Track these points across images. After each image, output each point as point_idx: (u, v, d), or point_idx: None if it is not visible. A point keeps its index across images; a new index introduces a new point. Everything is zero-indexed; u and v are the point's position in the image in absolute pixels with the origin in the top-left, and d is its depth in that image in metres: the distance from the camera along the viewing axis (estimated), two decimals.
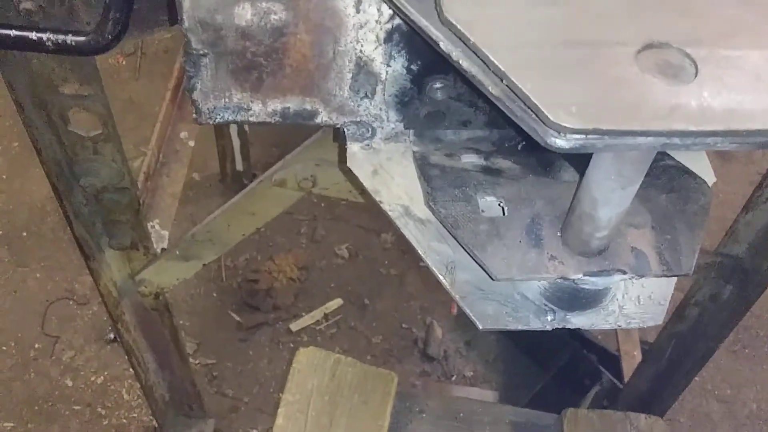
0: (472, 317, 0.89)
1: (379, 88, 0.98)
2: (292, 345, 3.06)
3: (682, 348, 2.24)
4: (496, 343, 3.08)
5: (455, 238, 0.87)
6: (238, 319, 3.15)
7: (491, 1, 0.72)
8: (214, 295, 3.23)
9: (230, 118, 1.03)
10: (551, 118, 0.63)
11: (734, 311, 2.05)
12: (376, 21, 0.91)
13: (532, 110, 0.64)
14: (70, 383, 3.08)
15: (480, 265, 0.84)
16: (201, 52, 0.94)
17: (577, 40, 0.69)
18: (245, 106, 1.01)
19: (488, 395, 2.89)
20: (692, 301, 2.12)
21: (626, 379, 2.58)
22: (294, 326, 3.11)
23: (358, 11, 0.90)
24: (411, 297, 3.25)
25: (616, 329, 2.72)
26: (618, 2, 0.73)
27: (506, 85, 0.66)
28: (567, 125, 0.62)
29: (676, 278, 0.93)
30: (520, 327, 0.89)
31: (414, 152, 1.01)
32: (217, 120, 1.03)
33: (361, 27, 0.92)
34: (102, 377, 3.09)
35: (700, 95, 0.65)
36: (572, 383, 2.82)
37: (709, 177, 1.00)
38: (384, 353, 3.06)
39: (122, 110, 3.72)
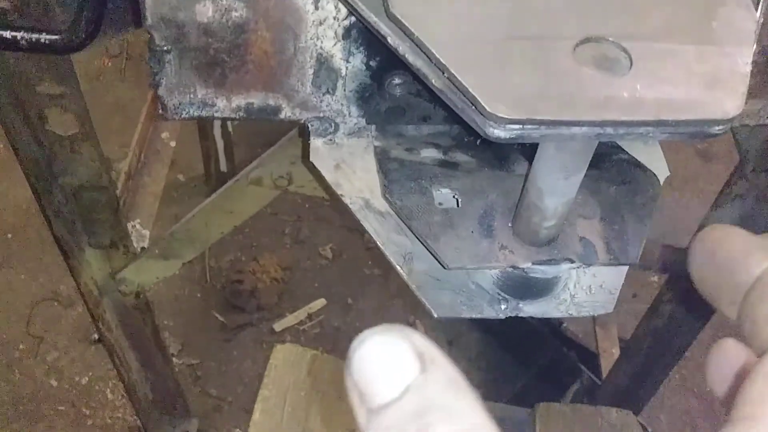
0: (428, 306, 0.92)
1: (339, 83, 1.00)
2: (275, 345, 3.08)
3: (658, 344, 2.27)
4: (478, 341, 3.11)
5: (410, 229, 0.89)
6: (222, 319, 3.16)
7: None
8: (198, 295, 3.24)
9: (196, 113, 1.05)
10: (488, 110, 0.65)
11: (707, 307, 2.07)
12: (334, 17, 0.93)
13: (471, 102, 0.67)
14: (54, 383, 3.09)
15: (433, 255, 0.87)
16: (164, 48, 0.96)
17: (519, 35, 0.72)
18: (210, 102, 1.03)
19: None
20: (666, 297, 2.15)
21: (604, 376, 2.61)
22: (278, 326, 3.13)
23: (316, 8, 0.93)
24: (394, 296, 3.28)
25: (594, 328, 2.75)
26: None
27: (447, 78, 0.68)
28: (503, 116, 0.65)
29: (626, 268, 0.96)
30: (474, 315, 0.92)
31: (375, 147, 1.03)
32: (183, 116, 1.05)
33: (320, 23, 0.95)
34: (86, 378, 3.10)
35: (633, 87, 0.68)
36: (553, 381, 2.85)
37: (663, 171, 1.03)
38: None
39: (108, 112, 3.73)
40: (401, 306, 3.25)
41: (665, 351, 2.28)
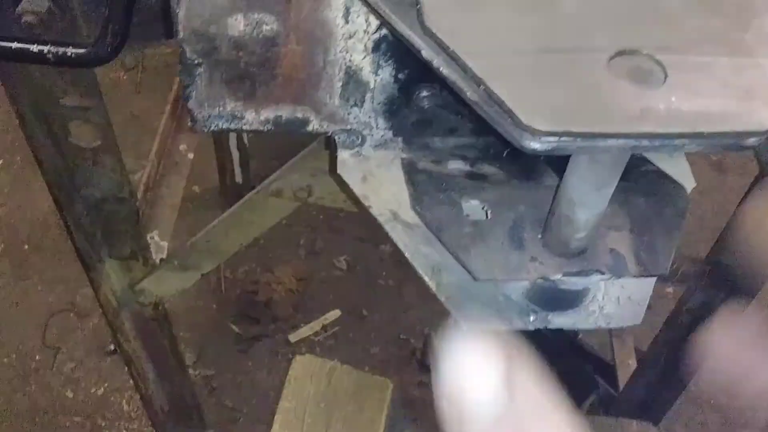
0: (457, 317, 0.92)
1: (368, 96, 1.01)
2: (290, 356, 3.08)
3: (675, 355, 2.26)
4: None
5: (440, 241, 0.90)
6: (237, 330, 3.17)
7: (473, 9, 0.75)
8: (214, 306, 3.25)
9: (224, 126, 1.06)
10: (524, 122, 0.66)
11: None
12: (365, 31, 0.94)
13: (507, 114, 0.67)
14: (70, 395, 3.10)
15: (463, 266, 0.87)
16: (196, 62, 0.97)
17: (553, 47, 0.72)
18: (239, 115, 1.04)
19: None
20: (685, 308, 2.14)
21: (621, 388, 2.60)
22: (293, 337, 3.13)
23: (347, 21, 0.94)
24: (409, 307, 3.27)
25: (611, 340, 2.74)
26: (594, 11, 0.76)
27: (483, 91, 0.69)
28: (540, 128, 0.65)
29: (654, 280, 0.96)
30: (502, 326, 0.92)
31: (402, 159, 1.04)
32: (212, 128, 1.06)
33: (350, 37, 0.96)
34: (102, 389, 3.11)
35: (668, 99, 0.68)
36: (569, 392, 2.84)
37: (689, 182, 1.03)
38: (382, 364, 3.08)
39: (123, 124, 3.76)
40: (416, 317, 3.25)
41: (682, 363, 2.27)
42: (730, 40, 0.74)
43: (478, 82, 0.69)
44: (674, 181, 0.98)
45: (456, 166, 1.02)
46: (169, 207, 2.40)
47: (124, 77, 4.09)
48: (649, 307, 2.84)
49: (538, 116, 0.66)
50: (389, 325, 3.22)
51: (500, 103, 0.67)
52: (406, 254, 0.98)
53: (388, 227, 1.00)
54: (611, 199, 0.89)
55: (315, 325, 3.17)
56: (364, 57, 0.96)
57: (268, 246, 3.39)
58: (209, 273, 2.77)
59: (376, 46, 0.95)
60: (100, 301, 2.14)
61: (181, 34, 0.95)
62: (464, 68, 0.70)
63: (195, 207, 3.49)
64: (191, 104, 1.02)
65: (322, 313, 3.22)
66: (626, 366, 2.63)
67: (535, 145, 0.67)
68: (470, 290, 0.94)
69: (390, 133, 1.06)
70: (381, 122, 1.04)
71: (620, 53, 0.71)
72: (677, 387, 2.40)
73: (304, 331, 3.15)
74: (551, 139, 0.67)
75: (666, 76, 0.70)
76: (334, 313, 3.22)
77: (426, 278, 0.96)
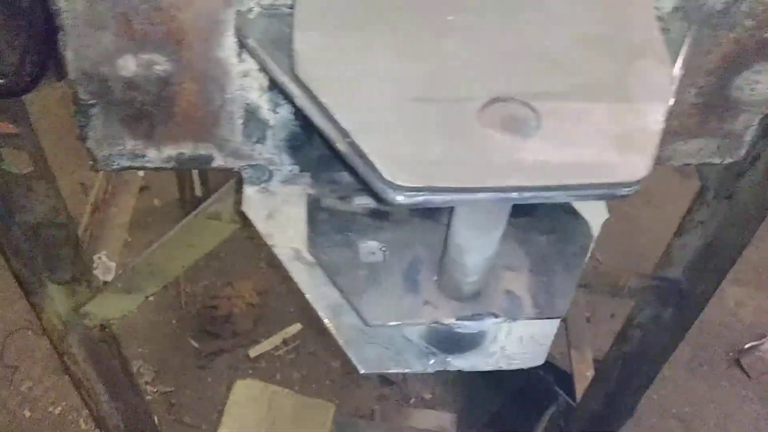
0: (354, 361, 0.90)
1: (269, 133, 0.99)
2: (250, 371, 3.06)
3: (628, 368, 2.26)
4: None
5: (333, 284, 0.88)
6: (196, 345, 3.14)
7: (348, 57, 0.73)
8: (173, 322, 3.22)
9: (126, 164, 1.04)
10: (387, 177, 0.64)
11: (675, 332, 2.07)
12: (258, 69, 0.92)
13: (371, 169, 0.65)
14: (28, 414, 3.06)
15: (355, 312, 0.85)
16: (89, 102, 0.95)
17: (427, 97, 0.71)
18: (140, 153, 1.02)
19: (447, 417, 2.89)
20: (635, 322, 2.14)
21: (579, 399, 2.59)
22: (253, 352, 3.10)
23: (240, 60, 0.92)
24: None
25: (569, 350, 2.73)
26: (475, 57, 0.74)
27: (349, 144, 0.67)
28: (403, 184, 0.64)
29: (558, 321, 0.94)
30: (401, 370, 0.90)
31: (308, 195, 1.02)
32: (113, 167, 1.04)
33: (245, 75, 0.94)
34: (60, 407, 3.07)
35: (539, 150, 0.67)
36: (529, 403, 2.83)
37: (601, 215, 1.02)
38: (343, 377, 3.05)
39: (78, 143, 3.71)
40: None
41: (636, 376, 2.26)
42: (610, 84, 0.73)
43: (344, 134, 0.67)
44: (578, 217, 0.96)
45: (362, 202, 1.00)
46: (117, 227, 2.37)
47: None
48: (611, 315, 2.85)
49: (402, 171, 0.64)
50: None
51: (364, 157, 0.66)
52: (307, 295, 0.96)
53: (289, 267, 0.98)
54: (510, 237, 0.88)
55: (275, 339, 3.15)
56: (261, 95, 0.95)
57: (228, 259, 3.36)
58: (168, 287, 2.74)
59: (272, 85, 0.93)
60: (44, 325, 2.11)
61: (71, 75, 0.93)
62: (332, 119, 0.68)
63: (155, 220, 3.45)
64: (89, 144, 1.00)
65: (282, 326, 3.20)
66: (584, 378, 2.62)
67: (399, 199, 0.65)
68: (370, 332, 0.92)
69: (297, 168, 1.04)
70: (286, 158, 1.02)
71: (495, 100, 0.70)
72: (634, 399, 2.39)
73: (265, 346, 3.12)
74: (416, 194, 0.65)
75: (540, 125, 0.68)
76: (295, 327, 3.19)
77: (326, 320, 0.94)
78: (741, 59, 0.97)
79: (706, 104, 1.02)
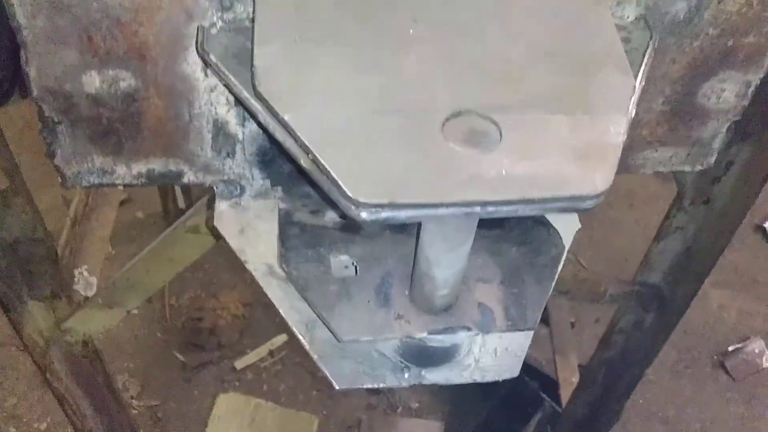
0: (329, 377, 0.90)
1: (238, 147, 0.99)
2: (237, 383, 3.04)
3: (613, 373, 2.26)
4: None
5: (305, 300, 0.88)
6: (182, 359, 3.12)
7: (309, 71, 0.73)
8: (159, 335, 3.20)
9: (96, 181, 1.03)
10: (350, 194, 0.64)
11: (657, 337, 2.07)
12: (225, 85, 0.92)
13: (334, 185, 0.65)
14: (13, 430, 3.03)
15: (327, 327, 0.85)
16: (55, 119, 0.94)
17: (387, 110, 0.71)
18: (109, 170, 1.01)
19: (434, 426, 2.88)
20: (617, 328, 2.14)
21: (564, 405, 2.59)
22: (239, 364, 3.08)
23: (206, 75, 0.92)
24: None
25: (554, 357, 2.73)
26: (435, 70, 0.74)
27: (312, 160, 0.67)
28: (365, 200, 0.64)
29: (532, 332, 0.94)
30: (376, 385, 0.90)
31: (280, 209, 1.02)
32: (82, 184, 1.03)
33: (212, 90, 0.94)
34: (45, 423, 3.04)
35: (501, 163, 0.67)
36: (516, 410, 2.83)
37: (574, 225, 1.02)
38: (330, 387, 3.04)
39: None
40: None
41: (620, 381, 2.27)
42: (571, 97, 0.73)
43: (306, 150, 0.67)
44: (550, 228, 0.96)
45: (333, 216, 1.00)
46: (98, 240, 2.35)
47: None
48: (596, 320, 2.85)
49: (364, 188, 0.64)
50: None
51: (327, 174, 0.65)
52: (280, 310, 0.96)
53: (263, 282, 0.98)
54: (481, 248, 0.88)
55: (261, 351, 3.13)
56: (228, 110, 0.94)
57: (213, 271, 3.35)
58: (153, 300, 2.72)
59: (239, 100, 0.93)
60: (25, 341, 2.09)
61: (35, 93, 0.92)
62: (294, 136, 0.68)
63: (139, 232, 3.44)
64: (57, 161, 0.99)
65: (268, 338, 3.18)
66: (569, 384, 2.62)
67: (364, 215, 0.65)
68: (344, 347, 0.92)
69: (268, 183, 1.04)
70: (257, 173, 1.02)
71: (456, 114, 0.70)
72: (618, 404, 2.39)
73: (251, 357, 3.11)
74: (379, 210, 0.65)
75: (501, 138, 0.69)
76: (281, 338, 3.18)
77: (299, 335, 0.93)
78: (706, 67, 0.98)
79: (673, 112, 1.02)
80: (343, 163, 0.66)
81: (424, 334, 0.84)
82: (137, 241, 3.33)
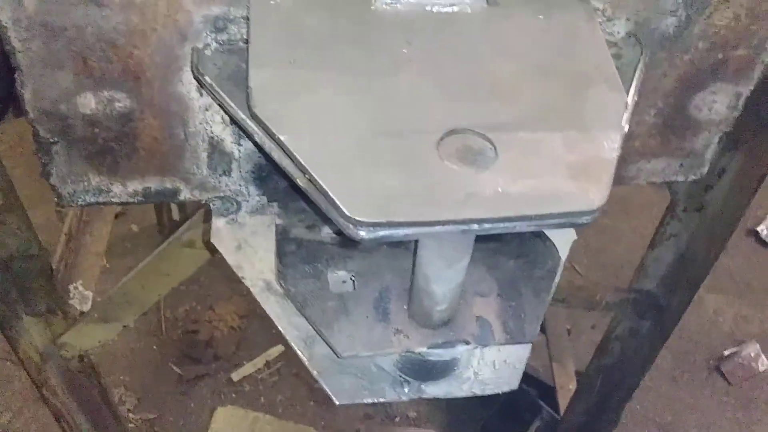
0: (329, 392, 0.90)
1: (234, 165, 1.00)
2: (234, 395, 3.03)
3: (610, 380, 2.27)
4: None
5: (304, 317, 0.88)
6: (178, 371, 3.11)
7: (304, 91, 0.74)
8: (154, 348, 3.19)
9: (92, 200, 1.03)
10: (347, 213, 0.64)
11: (653, 343, 2.08)
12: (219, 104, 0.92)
13: (332, 205, 0.66)
14: None
15: (326, 343, 0.85)
16: (51, 140, 0.94)
17: (383, 130, 0.71)
18: (105, 188, 1.01)
19: None
20: (613, 335, 2.15)
21: (562, 412, 2.59)
22: (235, 376, 3.07)
23: (201, 94, 0.92)
24: None
25: (551, 364, 2.74)
26: (427, 88, 0.75)
27: (308, 180, 0.67)
28: (362, 219, 0.64)
29: (530, 345, 0.95)
30: (376, 399, 0.90)
31: (276, 225, 1.02)
32: (78, 203, 1.03)
33: (207, 109, 0.94)
34: None
35: (496, 181, 0.68)
36: (514, 418, 2.83)
37: (569, 236, 1.03)
38: (327, 398, 3.02)
39: None
40: None
41: (618, 387, 2.27)
42: (564, 113, 0.74)
43: (303, 171, 0.68)
44: (546, 240, 0.97)
45: (330, 231, 1.00)
46: (93, 255, 2.34)
47: None
48: (592, 326, 2.85)
49: (362, 207, 0.65)
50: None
51: (325, 194, 0.66)
52: (279, 326, 0.96)
53: (260, 298, 0.98)
54: (478, 262, 0.88)
55: (258, 362, 3.12)
56: (224, 128, 0.95)
57: (209, 283, 3.34)
58: (149, 313, 2.71)
59: (235, 121, 0.93)
60: (20, 357, 2.08)
61: (30, 115, 0.92)
62: (291, 156, 0.69)
63: (134, 246, 3.43)
64: (53, 181, 0.99)
65: (265, 349, 3.18)
66: (566, 391, 2.63)
67: (362, 234, 0.66)
68: (343, 363, 0.92)
69: (264, 199, 1.04)
70: (253, 189, 1.02)
71: (451, 132, 0.70)
72: (616, 410, 2.40)
73: (247, 369, 3.10)
74: (376, 228, 0.65)
75: (497, 156, 0.69)
76: (277, 349, 3.17)
77: (298, 351, 0.94)
78: (697, 80, 0.99)
79: (666, 125, 1.03)
80: (340, 183, 0.66)
81: (424, 349, 0.84)
82: (132, 254, 3.33)
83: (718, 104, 1.02)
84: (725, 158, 1.50)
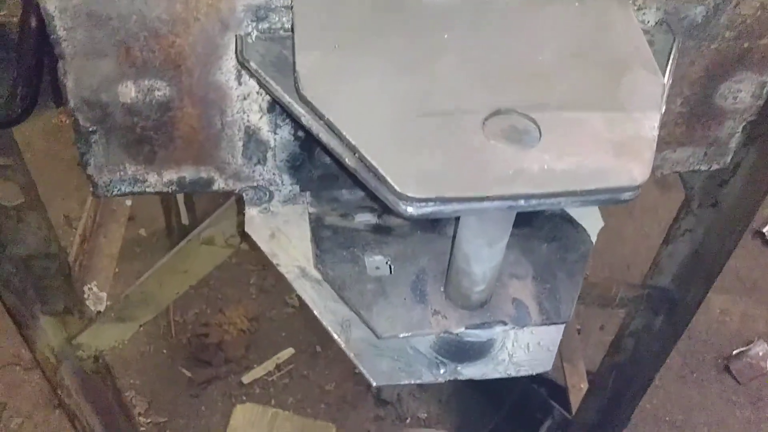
0: (366, 374, 0.91)
1: (269, 154, 1.01)
2: (244, 398, 3.04)
3: (622, 378, 2.28)
4: (448, 383, 3.09)
5: (342, 299, 0.89)
6: (188, 374, 3.11)
7: (349, 74, 0.75)
8: (164, 351, 3.19)
9: (127, 189, 1.04)
10: (398, 189, 0.66)
11: (666, 340, 2.09)
12: (257, 92, 0.94)
13: (381, 182, 0.67)
14: None
15: (366, 325, 0.87)
16: (90, 129, 0.96)
17: (429, 111, 0.73)
18: (141, 178, 1.03)
19: None
20: (627, 332, 2.16)
21: (574, 412, 2.60)
22: (246, 379, 3.08)
23: (239, 83, 0.94)
24: None
25: (562, 363, 2.75)
26: (470, 71, 0.77)
27: (358, 159, 0.69)
28: (413, 195, 0.66)
29: (563, 325, 0.96)
30: (413, 381, 0.92)
31: (310, 214, 1.03)
32: (114, 193, 1.05)
33: (245, 98, 0.96)
34: None
35: (542, 159, 0.69)
36: (525, 418, 2.84)
37: (597, 223, 1.04)
38: (338, 400, 3.04)
39: (67, 169, 3.70)
40: None
41: (630, 385, 2.28)
42: (604, 95, 0.75)
43: (353, 149, 0.69)
44: (577, 225, 0.99)
45: (363, 219, 1.02)
46: (107, 257, 2.36)
47: (67, 122, 4.04)
48: (601, 327, 2.87)
49: (411, 183, 0.66)
50: (343, 361, 3.18)
51: (374, 171, 0.67)
52: (315, 311, 0.97)
53: (296, 285, 0.99)
54: (513, 246, 0.90)
55: (268, 365, 3.13)
56: (261, 117, 0.96)
57: (218, 286, 3.35)
58: (158, 317, 2.72)
59: (271, 107, 0.95)
60: (37, 357, 2.09)
61: (71, 104, 0.94)
62: (339, 136, 0.70)
63: (143, 251, 3.44)
64: (90, 170, 1.01)
65: (275, 351, 3.19)
66: (578, 390, 2.64)
67: (411, 210, 0.67)
68: (379, 345, 0.93)
69: (297, 188, 1.06)
70: (286, 178, 1.04)
71: (495, 113, 0.72)
72: (628, 409, 2.41)
73: (258, 372, 3.11)
74: (426, 204, 0.67)
75: (540, 135, 0.71)
76: (288, 352, 3.18)
77: (335, 335, 0.95)
78: (723, 69, 1.01)
79: (691, 113, 1.05)
80: (389, 160, 0.68)
81: (462, 329, 0.86)
82: (141, 258, 3.34)
83: (743, 93, 1.04)
84: (740, 153, 1.52)
